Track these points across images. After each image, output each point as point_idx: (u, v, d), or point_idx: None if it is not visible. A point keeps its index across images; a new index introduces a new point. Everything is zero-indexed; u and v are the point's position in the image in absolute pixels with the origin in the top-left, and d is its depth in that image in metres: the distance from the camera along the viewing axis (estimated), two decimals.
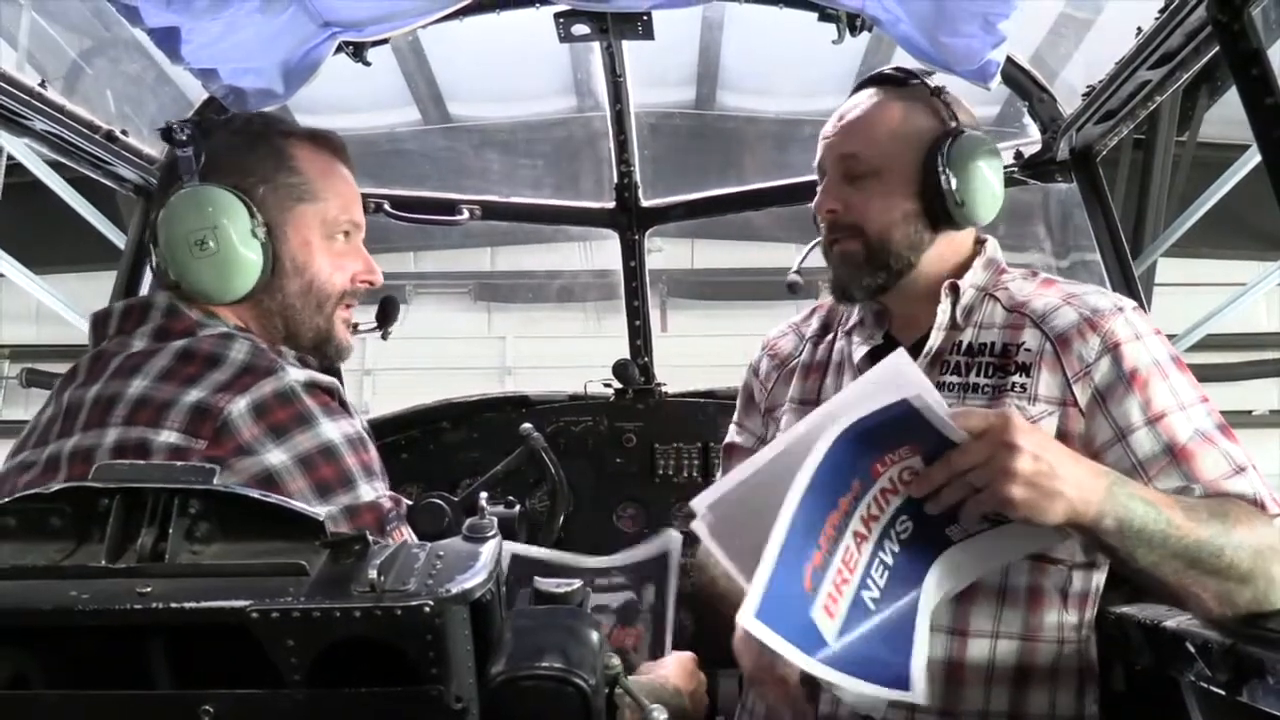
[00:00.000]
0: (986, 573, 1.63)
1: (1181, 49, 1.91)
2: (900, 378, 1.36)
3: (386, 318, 1.89)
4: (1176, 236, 7.13)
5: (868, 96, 1.87)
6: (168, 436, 1.36)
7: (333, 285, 1.67)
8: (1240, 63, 1.59)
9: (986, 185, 1.79)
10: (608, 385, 3.20)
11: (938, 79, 1.89)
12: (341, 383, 1.65)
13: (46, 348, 9.66)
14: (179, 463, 1.24)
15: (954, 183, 1.75)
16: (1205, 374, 8.41)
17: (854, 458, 1.36)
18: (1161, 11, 1.89)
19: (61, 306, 6.67)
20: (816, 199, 1.88)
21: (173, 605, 0.97)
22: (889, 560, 1.43)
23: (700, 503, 1.45)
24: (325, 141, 1.72)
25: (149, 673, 1.06)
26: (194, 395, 1.40)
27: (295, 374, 1.46)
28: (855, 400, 1.36)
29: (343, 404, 1.52)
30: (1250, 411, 9.13)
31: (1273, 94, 1.51)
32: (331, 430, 1.44)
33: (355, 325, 1.78)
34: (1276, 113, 1.50)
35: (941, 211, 1.78)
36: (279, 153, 1.64)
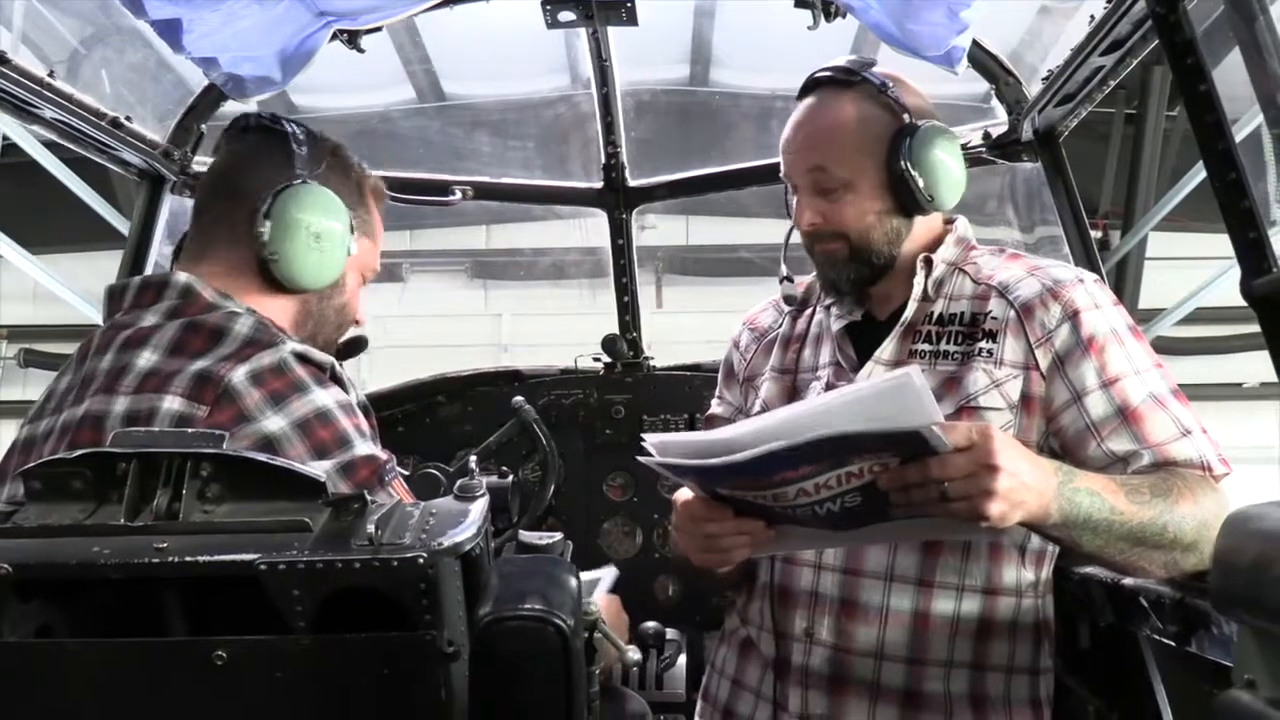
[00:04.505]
0: (907, 542, 1.73)
1: (1130, 36, 1.97)
2: (916, 403, 1.34)
3: (349, 353, 1.95)
4: (1167, 210, 7.15)
5: (818, 102, 1.90)
6: (171, 403, 1.43)
7: (356, 315, 1.84)
8: (1176, 52, 1.65)
9: (949, 173, 1.84)
10: (597, 360, 3.27)
11: (891, 68, 1.93)
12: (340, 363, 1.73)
13: (44, 328, 9.64)
14: (190, 430, 1.32)
15: (920, 180, 1.81)
16: (1196, 347, 8.43)
17: (836, 450, 1.38)
18: (1109, 1, 1.94)
19: (58, 286, 6.67)
20: (795, 212, 1.91)
21: (188, 559, 1.06)
22: (820, 512, 1.47)
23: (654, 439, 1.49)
24: (380, 195, 1.88)
25: (165, 622, 1.15)
26: (199, 365, 1.47)
27: (291, 346, 1.53)
28: (862, 411, 1.35)
29: (337, 380, 1.58)
30: (1241, 384, 9.16)
31: (1206, 81, 1.58)
32: (324, 397, 1.51)
33: None
34: (1209, 99, 1.57)
35: (912, 204, 1.84)
36: (361, 189, 1.80)
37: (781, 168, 1.94)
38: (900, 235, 1.88)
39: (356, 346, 1.95)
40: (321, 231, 1.65)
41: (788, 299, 2.08)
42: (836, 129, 1.85)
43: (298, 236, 1.63)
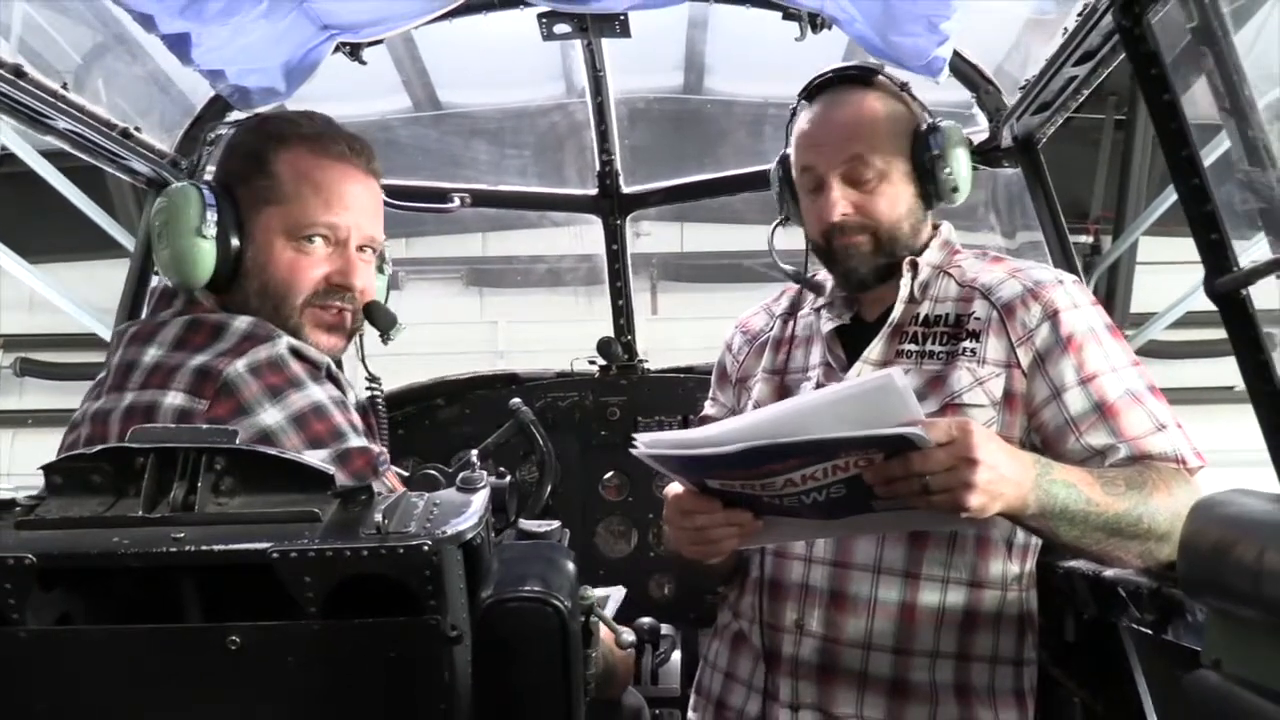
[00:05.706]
0: (892, 533, 1.78)
1: (1101, 48, 2.04)
2: (899, 404, 1.38)
3: (374, 323, 1.80)
4: (1157, 215, 7.19)
5: (845, 96, 1.95)
6: (174, 398, 1.49)
7: (290, 287, 1.67)
8: (1141, 63, 1.73)
9: (968, 169, 1.94)
10: (593, 362, 3.34)
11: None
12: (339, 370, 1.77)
13: (41, 337, 9.66)
14: (205, 426, 1.38)
15: (949, 171, 1.90)
16: (1187, 351, 8.46)
17: (822, 448, 1.42)
18: (1080, 14, 2.01)
19: (56, 295, 6.68)
20: (820, 205, 1.91)
21: (204, 548, 1.12)
22: (806, 501, 1.51)
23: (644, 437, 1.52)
24: (322, 146, 1.72)
25: (181, 610, 1.20)
26: (198, 360, 1.53)
27: (287, 341, 1.58)
28: (846, 411, 1.38)
29: (333, 378, 1.63)
30: (1231, 387, 9.20)
31: (1169, 91, 1.66)
32: (319, 392, 1.56)
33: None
34: (1173, 108, 1.64)
35: (936, 196, 1.93)
36: (259, 155, 1.69)
37: (800, 161, 1.97)
38: (920, 229, 1.96)
39: (372, 318, 1.79)
40: (160, 227, 1.65)
41: (810, 285, 2.11)
42: (873, 121, 1.91)
43: (153, 240, 1.69)
